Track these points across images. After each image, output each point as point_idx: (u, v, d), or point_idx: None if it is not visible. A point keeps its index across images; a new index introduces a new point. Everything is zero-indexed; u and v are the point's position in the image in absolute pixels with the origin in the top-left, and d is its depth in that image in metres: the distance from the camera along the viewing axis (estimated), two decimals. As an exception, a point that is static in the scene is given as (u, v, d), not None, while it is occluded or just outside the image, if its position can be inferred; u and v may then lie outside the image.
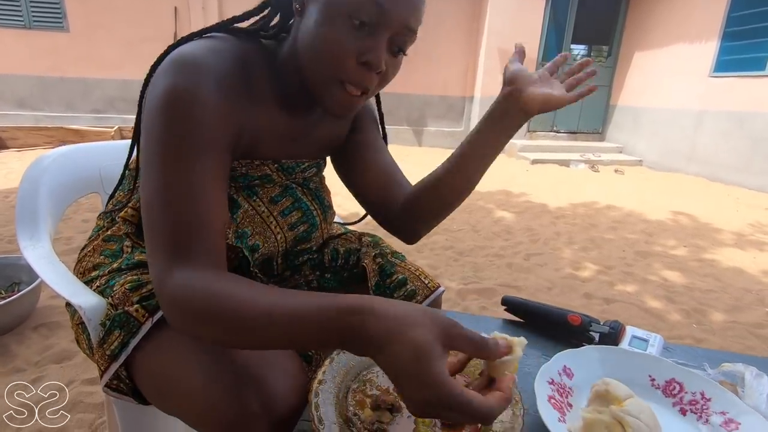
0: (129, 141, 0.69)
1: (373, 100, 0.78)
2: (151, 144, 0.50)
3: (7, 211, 2.74)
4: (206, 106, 0.50)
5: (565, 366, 0.55)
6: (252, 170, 0.62)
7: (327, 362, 0.52)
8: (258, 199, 0.64)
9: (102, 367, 0.58)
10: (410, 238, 0.76)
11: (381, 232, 0.80)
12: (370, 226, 1.52)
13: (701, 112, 5.47)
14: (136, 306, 0.57)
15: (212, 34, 0.58)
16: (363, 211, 0.80)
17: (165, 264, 0.46)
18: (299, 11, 0.56)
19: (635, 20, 6.54)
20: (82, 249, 0.74)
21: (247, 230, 0.63)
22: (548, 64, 0.67)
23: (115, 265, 0.66)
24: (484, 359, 0.40)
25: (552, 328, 0.68)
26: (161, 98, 0.50)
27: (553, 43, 6.64)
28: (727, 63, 5.18)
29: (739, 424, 0.48)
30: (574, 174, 5.42)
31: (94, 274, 0.67)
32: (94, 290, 0.65)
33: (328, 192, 0.77)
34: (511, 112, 0.63)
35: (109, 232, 0.70)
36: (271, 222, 0.66)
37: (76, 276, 0.71)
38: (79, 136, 5.05)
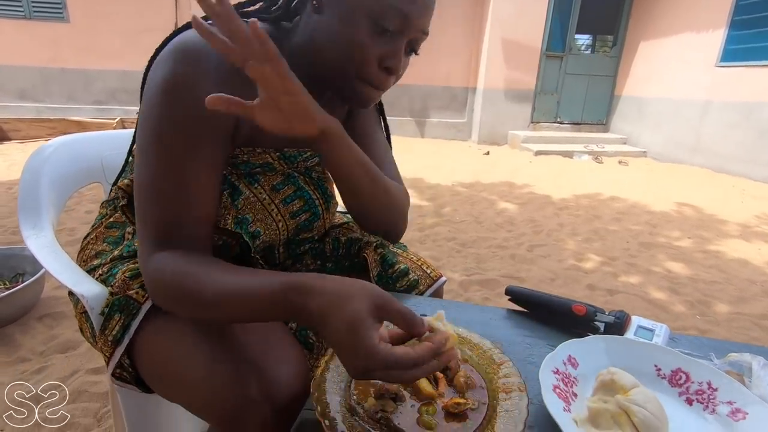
0: (130, 130, 0.69)
1: None
2: (147, 132, 0.52)
3: (11, 203, 2.75)
4: (204, 96, 0.50)
5: (570, 356, 0.54)
6: (253, 158, 0.62)
7: (330, 351, 0.52)
8: (259, 187, 0.64)
9: (107, 353, 0.58)
10: (384, 237, 0.75)
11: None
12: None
13: (707, 103, 5.41)
14: (136, 289, 0.58)
15: None
16: None
17: (149, 249, 0.51)
18: (316, 8, 0.56)
19: (641, 9, 6.44)
20: (85, 237, 0.74)
21: (248, 217, 0.63)
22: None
23: (116, 252, 0.66)
24: (413, 335, 0.43)
25: (556, 318, 0.67)
26: (159, 87, 0.50)
27: (557, 32, 6.55)
28: (735, 52, 5.11)
29: (747, 413, 0.47)
30: (578, 165, 5.39)
31: (96, 262, 0.67)
32: (96, 279, 0.65)
33: (331, 182, 0.76)
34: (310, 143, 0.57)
35: (111, 219, 0.70)
36: (273, 210, 0.65)
37: (79, 264, 0.71)
38: (81, 127, 5.05)
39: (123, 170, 0.71)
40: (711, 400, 0.50)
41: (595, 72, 6.84)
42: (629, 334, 0.62)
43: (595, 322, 0.64)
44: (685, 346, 0.63)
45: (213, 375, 0.50)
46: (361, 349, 0.38)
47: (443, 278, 0.77)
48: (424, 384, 0.48)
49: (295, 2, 0.60)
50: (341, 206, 0.93)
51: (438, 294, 0.77)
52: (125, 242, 0.68)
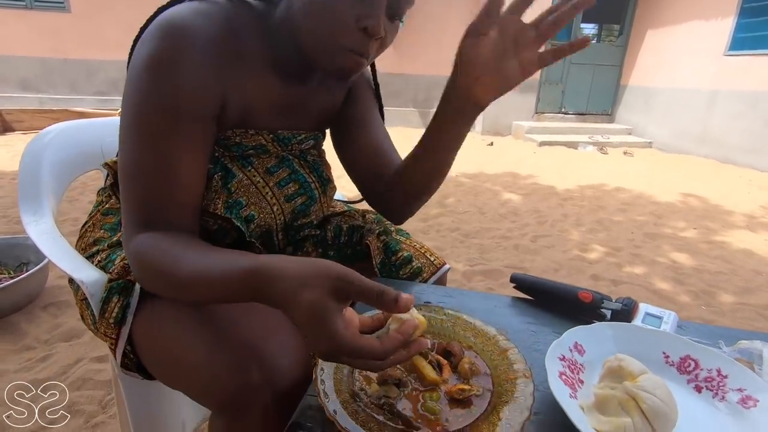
0: None
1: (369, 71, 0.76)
2: (129, 111, 0.50)
3: (15, 193, 2.74)
4: (188, 75, 0.49)
5: (576, 342, 0.53)
6: (246, 140, 0.60)
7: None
8: (253, 169, 0.62)
9: (112, 336, 0.58)
10: (396, 218, 0.75)
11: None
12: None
13: (714, 92, 5.34)
14: None
15: None
16: None
17: (132, 230, 0.50)
18: None
19: (649, -3, 6.34)
20: (83, 225, 0.73)
21: (241, 200, 0.61)
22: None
23: (114, 239, 0.65)
24: (382, 310, 0.41)
25: (562, 305, 0.66)
26: (143, 63, 0.49)
27: (563, 22, 6.46)
28: (743, 41, 5.02)
29: (758, 401, 0.46)
30: (582, 156, 5.35)
31: (95, 249, 0.67)
32: (95, 265, 0.65)
33: (328, 166, 0.75)
34: (465, 110, 0.57)
35: (107, 206, 0.70)
36: (267, 193, 0.64)
37: (79, 252, 0.70)
38: (84, 118, 5.04)
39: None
40: (721, 388, 0.49)
41: (601, 61, 6.75)
42: (637, 321, 0.61)
43: (602, 310, 0.63)
44: (694, 333, 0.62)
45: (213, 360, 0.50)
46: (323, 334, 0.37)
47: (447, 266, 0.76)
48: (428, 370, 0.47)
49: None
50: (339, 194, 0.93)
51: (441, 282, 0.76)
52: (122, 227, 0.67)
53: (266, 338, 0.52)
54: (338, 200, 0.90)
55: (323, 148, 0.76)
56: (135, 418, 0.70)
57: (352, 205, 0.88)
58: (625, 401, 0.43)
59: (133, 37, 0.54)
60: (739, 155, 5.05)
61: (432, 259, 0.75)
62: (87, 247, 0.69)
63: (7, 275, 1.62)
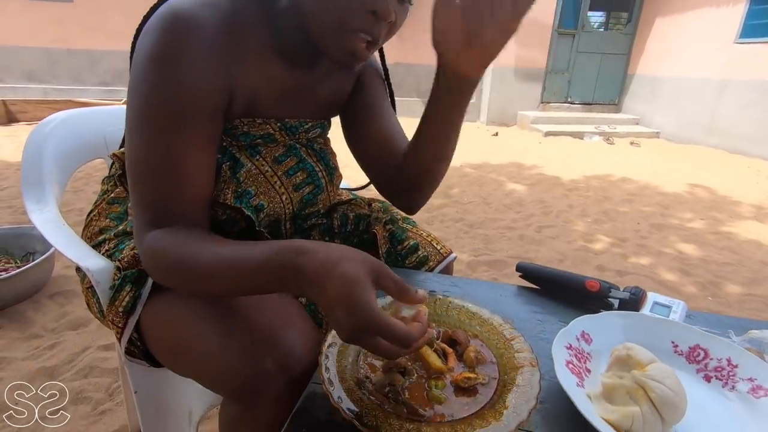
0: None
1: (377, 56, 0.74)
2: (134, 105, 0.50)
3: (20, 183, 2.76)
4: (193, 70, 0.49)
5: (583, 331, 0.53)
6: (254, 129, 0.59)
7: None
8: (261, 158, 0.62)
9: (119, 325, 0.57)
10: (407, 206, 0.74)
11: (391, 199, 0.77)
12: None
13: (723, 81, 5.25)
14: None
15: None
16: None
17: (143, 228, 0.50)
18: None
19: (658, -17, 6.21)
20: (89, 214, 0.73)
21: (251, 189, 0.61)
22: None
23: (121, 228, 0.65)
24: (405, 302, 0.42)
25: (568, 294, 0.65)
26: (147, 56, 0.48)
27: (570, 9, 6.36)
28: (755, 28, 4.92)
29: (768, 391, 0.45)
30: (588, 146, 5.29)
31: (101, 237, 0.67)
32: (102, 254, 0.64)
33: (333, 154, 0.74)
34: (459, 87, 0.55)
35: (113, 195, 0.69)
36: (276, 182, 0.64)
37: (85, 241, 0.70)
38: (88, 109, 5.04)
39: (123, 143, 0.70)
40: (731, 377, 0.48)
41: (608, 50, 6.64)
42: (645, 310, 0.60)
43: (609, 299, 0.63)
44: (703, 323, 0.61)
45: (227, 349, 0.49)
46: (359, 306, 0.36)
47: (453, 255, 0.76)
48: (433, 358, 0.46)
49: None
50: (343, 183, 0.92)
51: (448, 270, 0.76)
52: (129, 217, 0.67)
53: (279, 326, 0.51)
54: (343, 188, 0.90)
55: (328, 136, 0.76)
56: (142, 405, 0.70)
57: (357, 193, 0.88)
58: (633, 390, 0.42)
59: (136, 27, 0.53)
60: (748, 145, 4.98)
61: (438, 247, 0.75)
62: (93, 236, 0.68)
63: (13, 264, 1.64)
